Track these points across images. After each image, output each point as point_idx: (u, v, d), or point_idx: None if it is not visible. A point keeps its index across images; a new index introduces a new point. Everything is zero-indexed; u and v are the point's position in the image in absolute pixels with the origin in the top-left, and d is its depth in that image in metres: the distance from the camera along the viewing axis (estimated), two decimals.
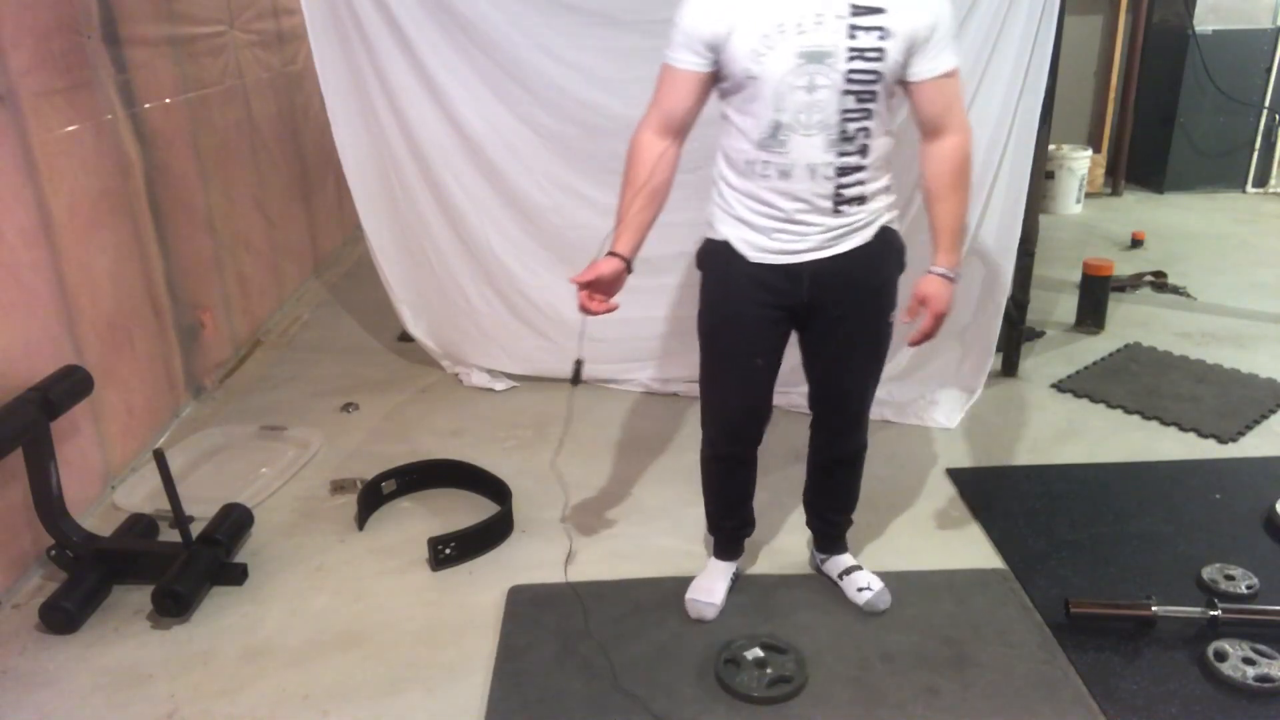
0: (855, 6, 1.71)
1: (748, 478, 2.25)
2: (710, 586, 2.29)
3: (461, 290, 3.48)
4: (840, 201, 1.85)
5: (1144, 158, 6.33)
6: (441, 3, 3.02)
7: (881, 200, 1.93)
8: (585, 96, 3.11)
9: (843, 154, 1.81)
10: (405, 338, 3.81)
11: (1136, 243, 5.13)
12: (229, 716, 2.01)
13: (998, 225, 3.17)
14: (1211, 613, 2.14)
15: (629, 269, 1.94)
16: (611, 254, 1.91)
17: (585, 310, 1.92)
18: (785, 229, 1.88)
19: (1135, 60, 6.04)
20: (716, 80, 1.85)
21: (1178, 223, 5.62)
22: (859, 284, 1.95)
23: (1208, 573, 2.34)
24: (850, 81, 1.74)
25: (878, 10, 1.72)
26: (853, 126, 1.79)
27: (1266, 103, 5.97)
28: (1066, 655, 2.10)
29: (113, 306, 2.91)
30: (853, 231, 1.90)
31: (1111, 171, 6.39)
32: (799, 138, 1.79)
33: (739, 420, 2.11)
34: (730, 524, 2.31)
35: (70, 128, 2.71)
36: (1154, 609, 2.16)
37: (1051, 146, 5.52)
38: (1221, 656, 2.05)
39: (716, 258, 1.97)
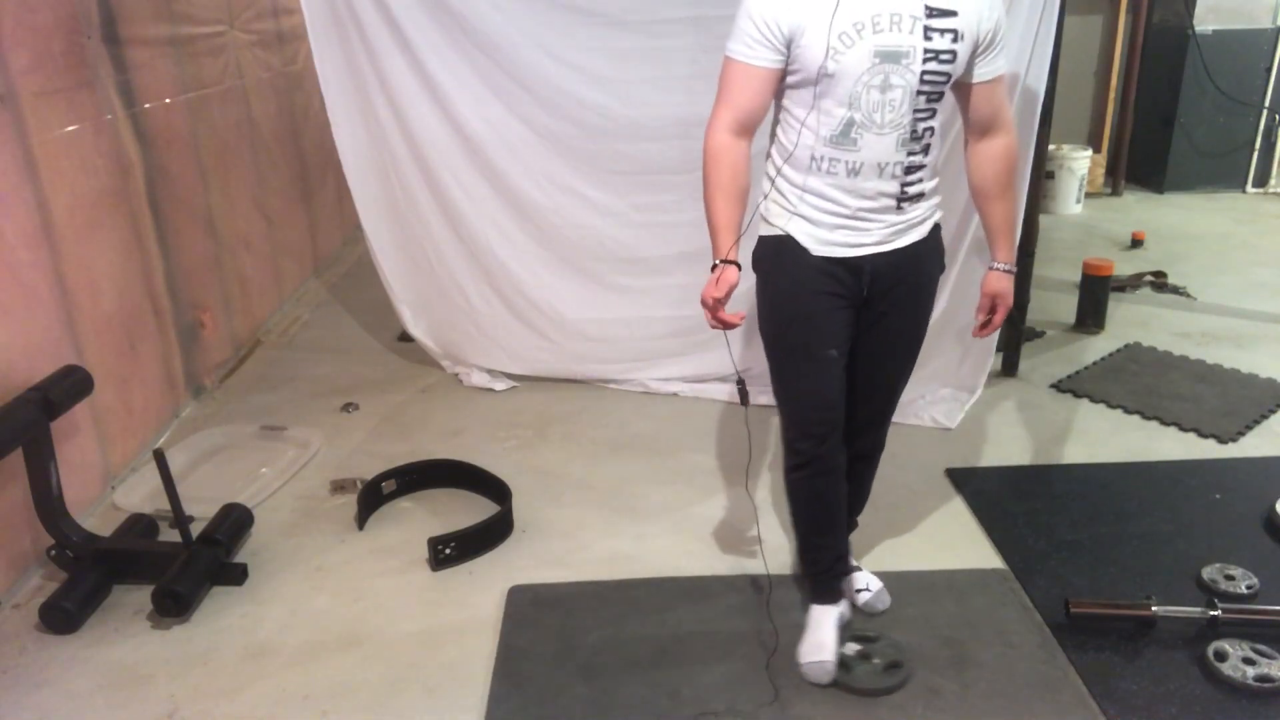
0: (930, 9, 1.72)
1: (836, 489, 2.08)
2: (821, 642, 2.08)
3: (461, 290, 3.48)
4: (904, 199, 1.87)
5: (1144, 158, 6.33)
6: (441, 3, 3.02)
7: (935, 198, 1.96)
8: (585, 96, 3.11)
9: (911, 153, 1.82)
10: (405, 338, 3.81)
11: (1136, 243, 5.13)
12: (229, 716, 2.01)
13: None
14: (1211, 613, 2.14)
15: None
16: (726, 262, 1.86)
17: (725, 326, 1.85)
18: (849, 225, 1.88)
19: (1135, 60, 6.04)
20: (784, 75, 1.82)
21: (1178, 223, 5.62)
22: (911, 279, 1.97)
23: (1208, 573, 2.34)
24: (924, 82, 1.75)
25: (951, 13, 1.73)
26: (921, 126, 1.80)
27: (1266, 103, 5.97)
28: (1066, 655, 2.10)
29: (113, 306, 2.91)
30: (911, 227, 1.91)
31: (1111, 171, 6.39)
32: (872, 136, 1.79)
33: (818, 416, 1.99)
34: (826, 552, 2.14)
35: (70, 128, 2.71)
36: (1154, 609, 2.16)
37: (1051, 146, 5.52)
38: (1221, 656, 2.05)
39: (778, 253, 1.94)
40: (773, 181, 1.93)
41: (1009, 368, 3.56)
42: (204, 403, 3.48)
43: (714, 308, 1.84)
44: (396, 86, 3.15)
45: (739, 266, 1.87)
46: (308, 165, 4.81)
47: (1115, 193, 6.34)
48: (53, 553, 2.42)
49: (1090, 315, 4.01)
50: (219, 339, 3.69)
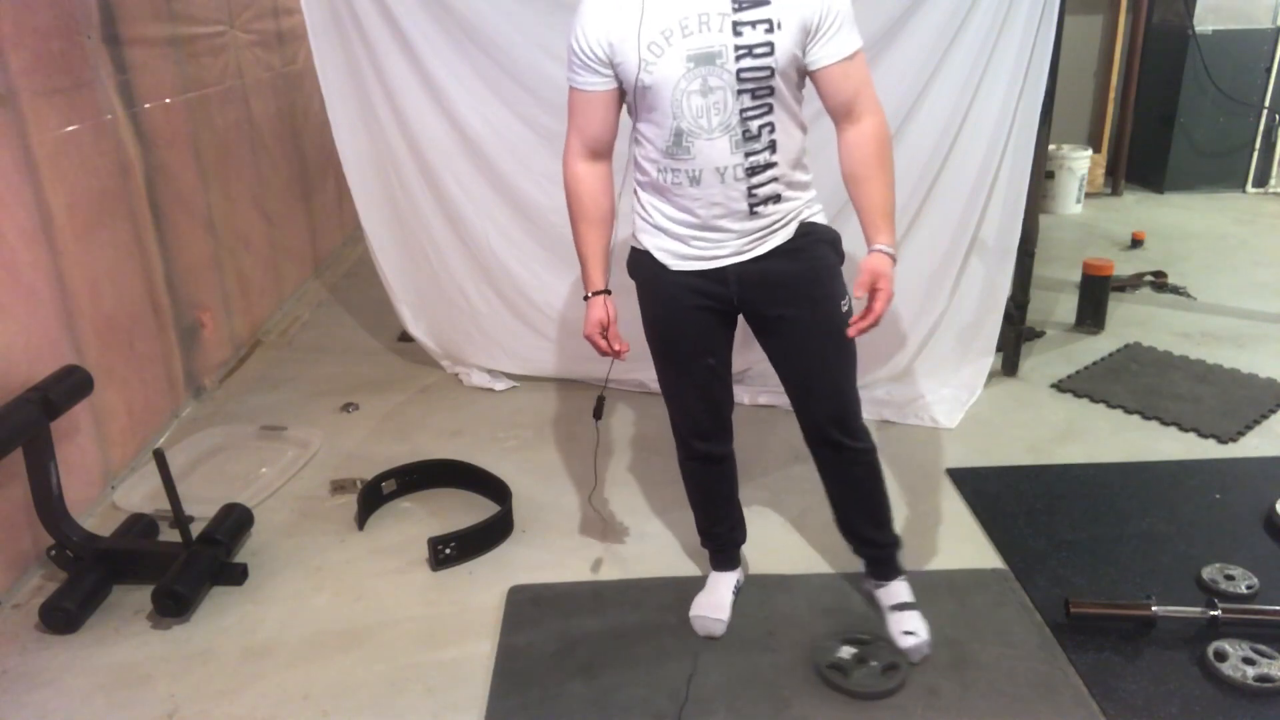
0: (738, 3, 1.68)
1: (727, 475, 2.20)
2: (715, 601, 2.24)
3: (461, 290, 3.48)
4: (756, 202, 1.82)
5: (1144, 158, 6.32)
6: (442, 2, 3.02)
7: (800, 196, 1.88)
8: None
9: (750, 154, 1.77)
10: (405, 338, 3.81)
11: (1136, 243, 5.13)
12: (229, 716, 2.01)
13: (998, 225, 3.17)
14: (1211, 613, 2.14)
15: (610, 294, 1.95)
16: (596, 294, 1.92)
17: (613, 355, 1.93)
18: (702, 235, 1.86)
19: (1135, 60, 6.04)
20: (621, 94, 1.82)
21: (1178, 223, 5.62)
22: (788, 281, 1.89)
23: (1208, 573, 2.34)
24: (742, 80, 1.70)
25: (761, 3, 1.68)
26: (756, 125, 1.75)
27: (1266, 103, 5.97)
28: (1066, 655, 2.10)
29: (113, 306, 2.91)
30: (772, 232, 1.86)
31: (1111, 171, 6.38)
32: (702, 142, 1.75)
33: (703, 418, 2.09)
34: (720, 528, 2.27)
35: (70, 128, 2.71)
36: (1154, 609, 2.15)
37: (1051, 146, 5.52)
38: (1221, 656, 2.05)
39: (642, 268, 1.96)
40: (636, 196, 1.94)
41: (1009, 368, 3.56)
42: (204, 403, 3.48)
43: (600, 344, 1.90)
44: (396, 86, 3.15)
45: (609, 293, 1.92)
46: (308, 165, 4.81)
47: (1115, 193, 6.34)
48: (53, 553, 2.42)
49: (1090, 315, 4.01)
50: (219, 339, 3.69)
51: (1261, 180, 6.22)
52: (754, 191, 1.81)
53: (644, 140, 1.83)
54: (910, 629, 2.12)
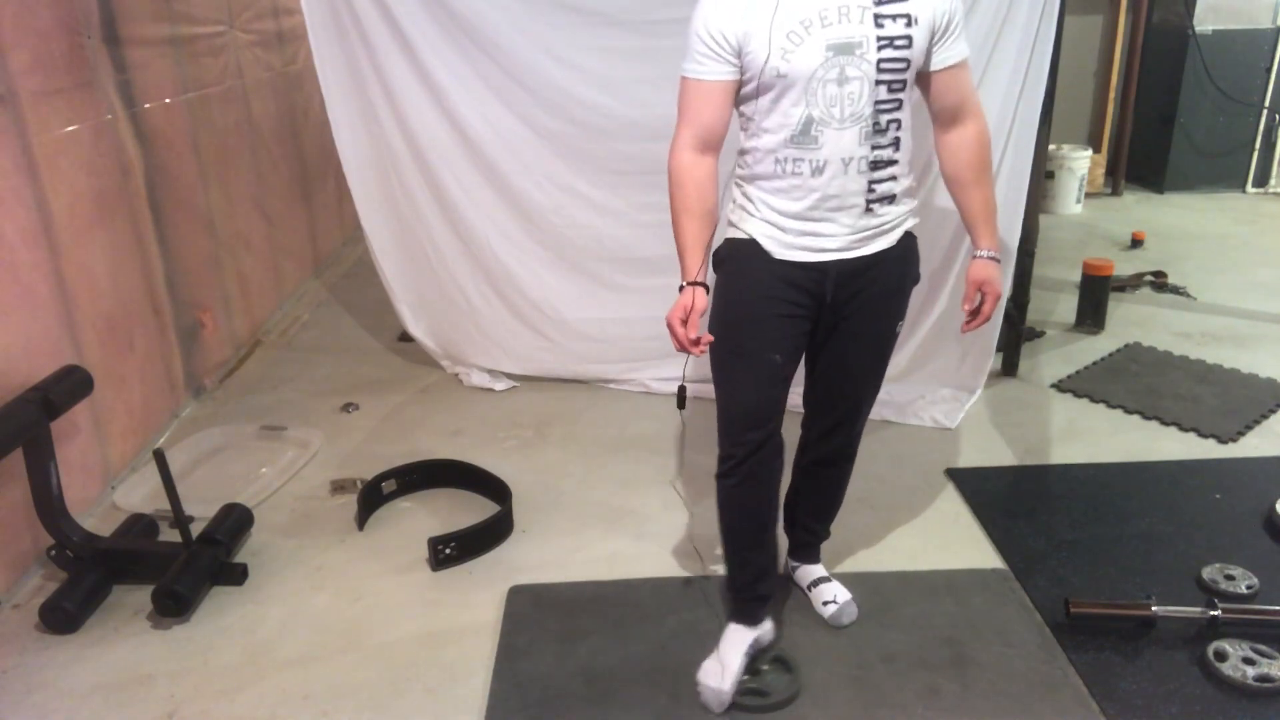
0: None
1: (771, 494, 1.99)
2: (726, 667, 2.00)
3: (461, 290, 3.48)
4: (873, 199, 1.83)
5: (1144, 158, 6.33)
6: (442, 3, 3.02)
7: (908, 203, 1.92)
8: (585, 97, 3.11)
9: (876, 147, 1.79)
10: (405, 338, 3.81)
11: (1136, 243, 5.13)
12: (229, 716, 2.01)
13: (998, 225, 3.17)
14: (1211, 613, 2.14)
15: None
16: (692, 284, 1.87)
17: (687, 345, 1.85)
18: (814, 229, 1.85)
19: (1135, 60, 6.04)
20: (741, 85, 1.81)
21: (1178, 223, 5.62)
22: (879, 287, 1.92)
23: (1208, 573, 2.34)
24: (882, 71, 1.73)
25: None
26: (885, 119, 1.77)
27: (1266, 103, 5.97)
28: (1066, 655, 2.10)
29: (113, 306, 2.91)
30: (881, 234, 1.88)
31: (1111, 171, 6.38)
32: (832, 131, 1.76)
33: (757, 417, 1.92)
34: (752, 562, 2.05)
35: (70, 128, 2.71)
36: (1154, 609, 2.16)
37: (1051, 146, 5.53)
38: (1221, 656, 2.05)
39: (740, 256, 1.92)
40: (740, 187, 1.93)
41: (1009, 368, 3.56)
42: (204, 403, 3.48)
43: (679, 331, 1.84)
44: (396, 86, 3.15)
45: (707, 289, 1.87)
46: (308, 165, 4.81)
47: (1115, 193, 6.34)
48: (53, 553, 2.42)
49: (1090, 315, 4.01)
50: (219, 339, 3.69)
51: (1261, 180, 6.22)
52: (873, 187, 1.82)
53: (761, 130, 1.82)
54: (829, 599, 2.23)
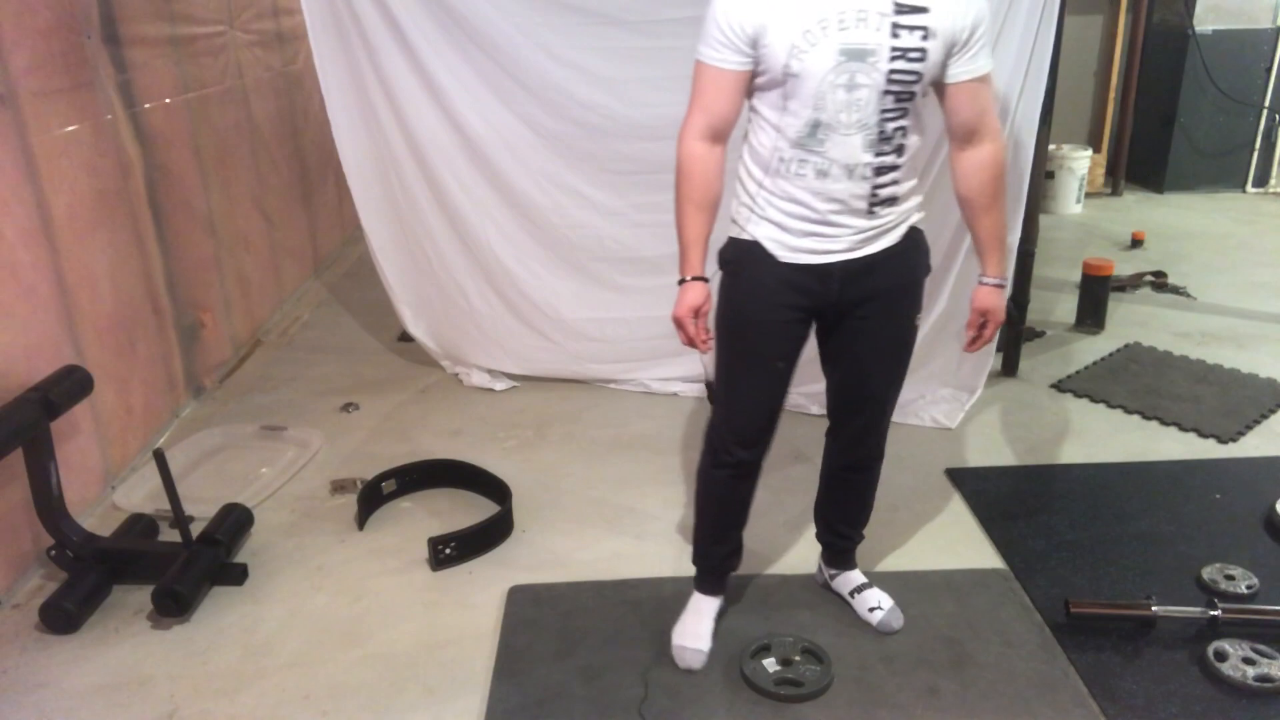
0: (899, 5, 1.68)
1: (749, 493, 2.11)
2: (697, 631, 2.16)
3: (461, 290, 3.48)
4: (875, 203, 1.83)
5: (1144, 158, 6.33)
6: (442, 3, 3.02)
7: (912, 200, 1.91)
8: (585, 96, 3.11)
9: (880, 154, 1.78)
10: (405, 338, 3.81)
11: (1136, 243, 5.14)
12: (229, 716, 2.01)
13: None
14: (1211, 613, 2.14)
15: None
16: (694, 279, 1.88)
17: (696, 342, 1.88)
18: (818, 230, 1.84)
19: (1135, 60, 6.04)
20: (754, 76, 1.80)
21: (1178, 223, 5.63)
22: (888, 285, 1.92)
23: (1208, 573, 2.34)
24: (891, 81, 1.71)
25: (921, 9, 1.69)
26: (891, 126, 1.76)
27: (1266, 103, 5.97)
28: (1066, 655, 2.10)
29: (113, 306, 2.91)
30: (884, 233, 1.87)
31: (1111, 171, 6.39)
32: (838, 137, 1.75)
33: (754, 423, 2.00)
34: (722, 549, 2.17)
35: (70, 128, 2.71)
36: (1154, 609, 2.16)
37: (1051, 146, 5.52)
38: (1221, 656, 2.05)
39: (744, 258, 1.92)
40: (743, 184, 1.91)
41: (1009, 368, 3.56)
42: (204, 403, 3.48)
43: (689, 327, 1.84)
44: (396, 86, 3.15)
45: (706, 281, 1.87)
46: (308, 165, 4.81)
47: (1115, 193, 6.34)
48: (53, 553, 2.41)
49: (1090, 315, 4.01)
50: (219, 339, 3.69)
51: (1261, 180, 6.23)
52: (876, 191, 1.82)
53: (771, 128, 1.81)
54: (875, 605, 2.22)
